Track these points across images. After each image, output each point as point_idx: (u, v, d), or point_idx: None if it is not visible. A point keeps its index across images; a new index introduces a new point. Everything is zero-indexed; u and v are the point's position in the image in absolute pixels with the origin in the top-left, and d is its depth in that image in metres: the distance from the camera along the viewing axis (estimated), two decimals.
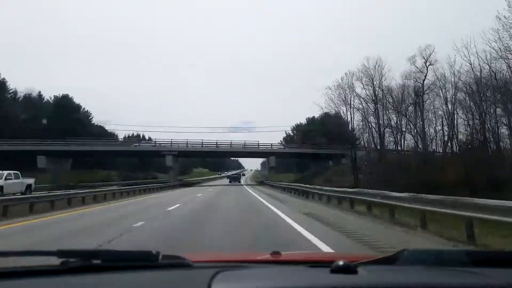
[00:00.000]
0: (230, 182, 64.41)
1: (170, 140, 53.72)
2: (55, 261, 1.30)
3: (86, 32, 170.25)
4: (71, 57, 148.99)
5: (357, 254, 3.46)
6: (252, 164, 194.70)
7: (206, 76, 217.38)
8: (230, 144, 54.00)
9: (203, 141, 53.05)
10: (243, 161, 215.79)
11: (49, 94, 61.92)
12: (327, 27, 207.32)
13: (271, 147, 56.87)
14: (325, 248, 5.48)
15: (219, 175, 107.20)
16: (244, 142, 55.97)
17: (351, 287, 1.09)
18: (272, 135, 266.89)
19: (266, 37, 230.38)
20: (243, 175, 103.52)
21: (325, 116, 72.23)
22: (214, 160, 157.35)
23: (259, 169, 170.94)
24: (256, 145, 56.18)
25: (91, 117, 65.00)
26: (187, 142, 53.63)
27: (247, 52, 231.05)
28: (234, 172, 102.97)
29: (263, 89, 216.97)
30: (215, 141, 52.43)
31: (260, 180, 58.29)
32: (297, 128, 78.89)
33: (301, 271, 1.36)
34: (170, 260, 1.33)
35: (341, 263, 1.17)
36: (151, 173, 60.31)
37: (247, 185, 50.37)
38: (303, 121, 77.58)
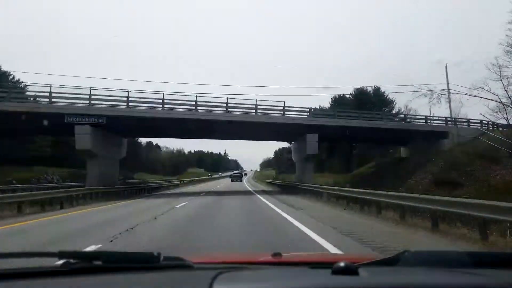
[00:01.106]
0: (232, 180, 64.39)
1: (88, 94, 25.43)
2: (56, 262, 1.29)
3: (81, 31, 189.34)
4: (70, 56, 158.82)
5: (358, 255, 3.40)
6: (251, 164, 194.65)
7: (205, 76, 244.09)
8: (226, 107, 28.03)
9: (166, 97, 26.00)
10: (242, 161, 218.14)
11: None
12: (327, 28, 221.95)
13: (310, 113, 30.73)
14: None
15: (210, 176, 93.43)
16: (255, 102, 28.29)
17: None
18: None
19: (266, 36, 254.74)
20: (245, 174, 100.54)
21: (359, 92, 54.00)
22: (210, 161, 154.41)
23: (259, 169, 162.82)
24: (280, 108, 29.24)
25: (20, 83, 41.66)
26: (127, 97, 25.80)
27: (247, 51, 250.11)
28: (233, 171, 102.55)
29: (262, 90, 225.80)
30: (194, 95, 26.89)
31: (280, 183, 37.89)
32: (314, 112, 48.55)
33: (302, 272, 1.35)
34: (171, 261, 1.34)
35: (342, 264, 1.18)
36: (140, 173, 49.48)
37: (259, 193, 29.30)
38: (324, 104, 62.32)
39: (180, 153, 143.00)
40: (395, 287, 1.10)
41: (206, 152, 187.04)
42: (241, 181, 65.85)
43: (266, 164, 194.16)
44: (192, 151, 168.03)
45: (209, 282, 1.06)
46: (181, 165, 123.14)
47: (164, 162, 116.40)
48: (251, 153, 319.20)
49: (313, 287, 1.09)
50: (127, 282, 1.18)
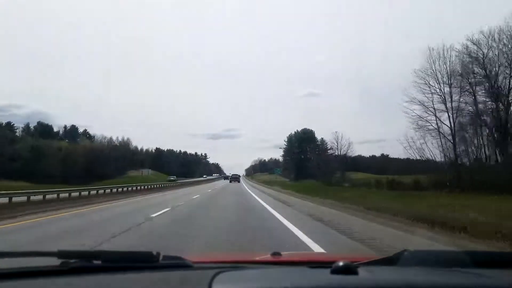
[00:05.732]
0: (230, 181, 67.15)
1: None
2: (55, 261, 1.30)
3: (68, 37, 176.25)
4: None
5: (357, 255, 3.31)
6: (233, 170, 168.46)
7: (188, 82, 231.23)
8: None
9: None
10: (224, 165, 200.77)
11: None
12: (308, 39, 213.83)
13: None
14: None
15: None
16: None
17: None
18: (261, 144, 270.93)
19: (249, 45, 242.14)
20: (239, 176, 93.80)
21: None
22: (179, 162, 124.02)
23: (245, 175, 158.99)
24: None
25: None
26: None
27: (230, 59, 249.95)
28: (231, 174, 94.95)
29: (246, 97, 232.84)
30: None
31: None
32: None
33: (301, 272, 1.35)
34: (171, 260, 1.35)
35: (341, 263, 1.18)
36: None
37: None
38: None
39: (124, 146, 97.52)
40: (394, 287, 1.07)
41: (177, 151, 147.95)
42: (239, 182, 66.62)
43: (257, 168, 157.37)
44: (166, 149, 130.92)
45: (209, 281, 1.04)
46: (118, 164, 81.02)
47: (79, 159, 73.98)
48: (234, 158, 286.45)
49: (312, 286, 1.06)
50: (127, 282, 1.16)
